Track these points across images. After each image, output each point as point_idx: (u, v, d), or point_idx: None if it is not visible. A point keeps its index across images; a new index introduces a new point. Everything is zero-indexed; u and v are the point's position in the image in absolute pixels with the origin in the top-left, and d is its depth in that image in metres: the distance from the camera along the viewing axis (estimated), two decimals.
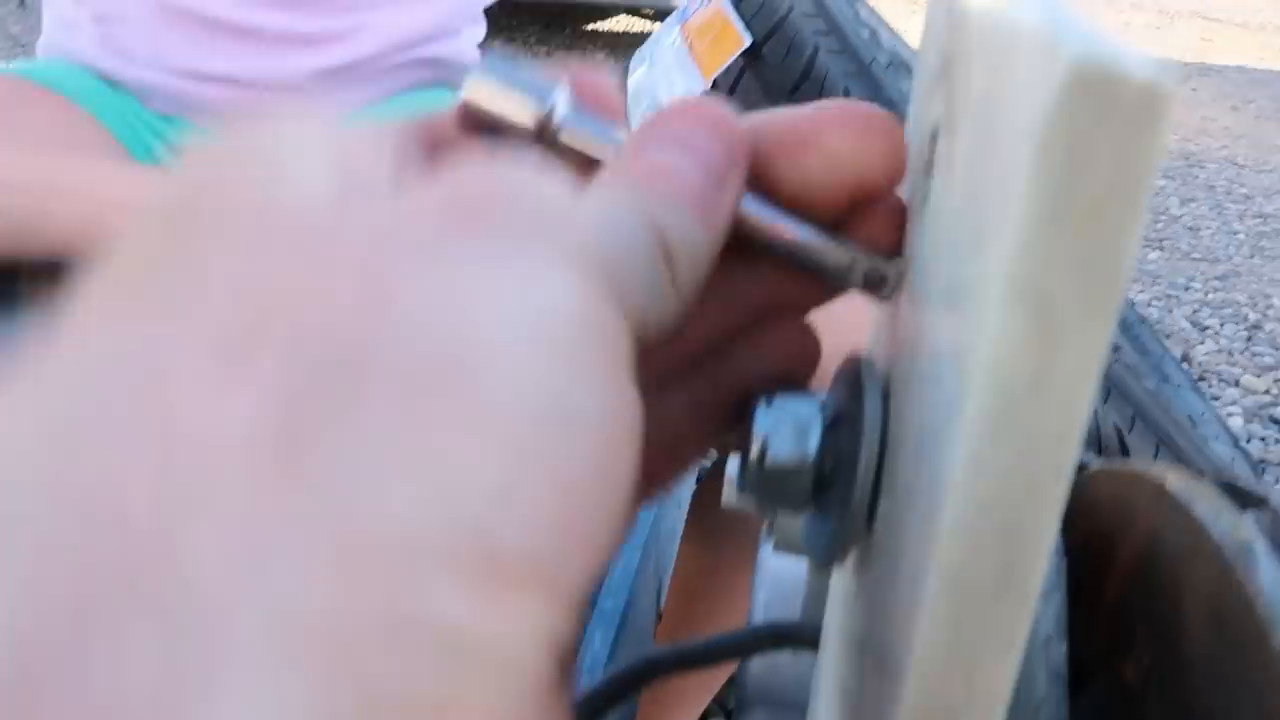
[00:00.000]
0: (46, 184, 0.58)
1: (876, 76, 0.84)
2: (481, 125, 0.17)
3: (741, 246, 0.17)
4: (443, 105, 0.67)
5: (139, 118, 0.75)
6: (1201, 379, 1.89)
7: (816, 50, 0.85)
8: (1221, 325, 2.14)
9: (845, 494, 0.19)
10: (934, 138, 0.19)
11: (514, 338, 0.12)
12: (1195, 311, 2.21)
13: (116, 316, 0.12)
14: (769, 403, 0.19)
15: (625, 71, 1.06)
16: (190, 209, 0.13)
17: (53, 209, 0.58)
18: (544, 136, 0.17)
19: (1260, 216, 2.89)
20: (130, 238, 0.13)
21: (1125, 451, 0.76)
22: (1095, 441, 0.75)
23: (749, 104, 0.94)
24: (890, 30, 1.28)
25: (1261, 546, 0.26)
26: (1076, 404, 0.12)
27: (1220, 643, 0.24)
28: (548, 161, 0.17)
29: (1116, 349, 0.81)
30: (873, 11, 1.23)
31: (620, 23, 4.44)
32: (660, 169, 0.15)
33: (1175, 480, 0.29)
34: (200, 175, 0.14)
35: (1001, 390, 0.12)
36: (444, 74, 0.81)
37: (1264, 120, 4.12)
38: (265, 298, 0.12)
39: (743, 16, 0.90)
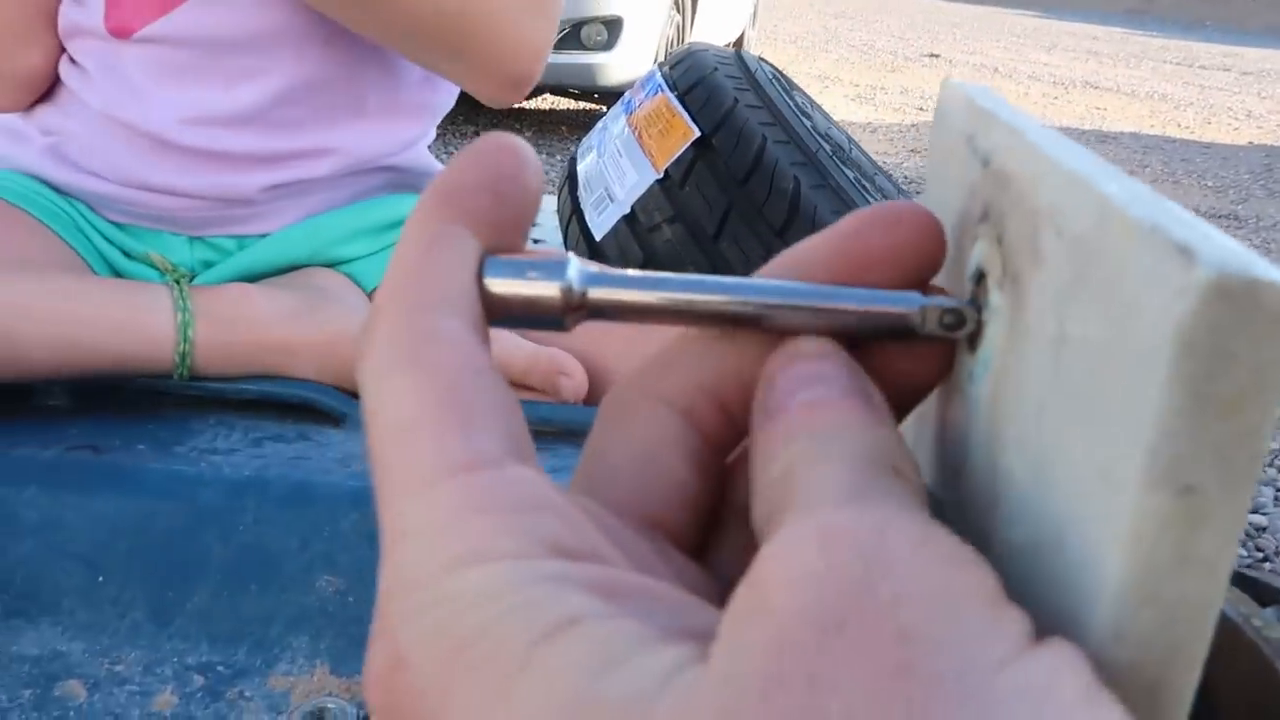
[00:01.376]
0: (11, 308, 0.57)
1: (823, 164, 0.87)
2: (506, 317, 0.18)
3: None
4: (398, 211, 0.67)
5: (91, 225, 0.73)
6: None
7: (765, 140, 0.87)
8: None
9: None
10: (978, 278, 0.19)
11: None
12: None
13: None
14: None
15: (572, 160, 1.08)
16: None
17: (21, 333, 0.57)
18: (571, 305, 0.18)
19: None
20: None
21: None
22: None
23: (704, 193, 0.96)
24: (823, 114, 1.33)
25: None
26: (1219, 572, 0.13)
27: None
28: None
29: None
30: (807, 97, 1.28)
31: (546, 101, 4.51)
32: (813, 405, 0.16)
33: None
34: None
35: (1145, 566, 0.13)
36: (398, 179, 0.81)
37: (1160, 183, 4.36)
38: None
39: (689, 109, 0.93)
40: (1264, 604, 0.30)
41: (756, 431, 0.17)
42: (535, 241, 1.34)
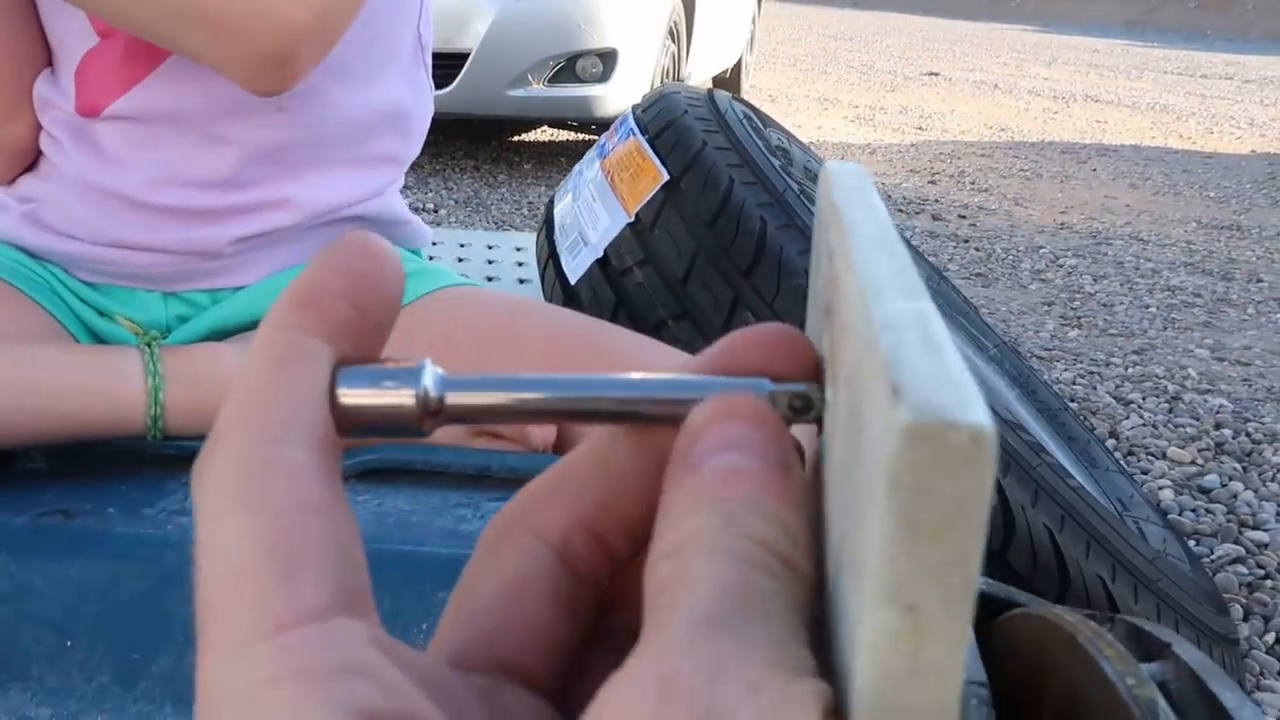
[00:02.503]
0: None
1: (789, 204, 0.88)
2: (362, 427, 0.19)
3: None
4: None
5: (66, 287, 0.75)
6: (1130, 453, 1.95)
7: (732, 182, 0.89)
8: (1144, 399, 2.21)
9: None
10: (821, 365, 0.20)
11: None
12: (1118, 387, 2.29)
13: None
14: None
15: (550, 204, 1.10)
16: None
17: (1, 405, 0.58)
18: (428, 412, 0.19)
19: (1169, 289, 3.03)
20: None
21: (1058, 551, 0.79)
22: (1029, 547, 0.77)
23: (673, 236, 0.96)
24: (802, 148, 1.34)
25: (1162, 705, 0.28)
26: (949, 683, 0.14)
27: None
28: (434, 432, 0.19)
29: (1040, 451, 0.84)
30: (784, 133, 1.29)
31: (545, 134, 4.55)
32: (729, 474, 0.16)
33: (1085, 632, 0.31)
34: None
35: (882, 675, 0.14)
36: (367, 229, 0.82)
37: (1161, 195, 4.35)
38: None
39: (659, 152, 0.94)
40: (1151, 658, 0.31)
41: (669, 481, 0.17)
42: (521, 282, 1.36)
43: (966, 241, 3.41)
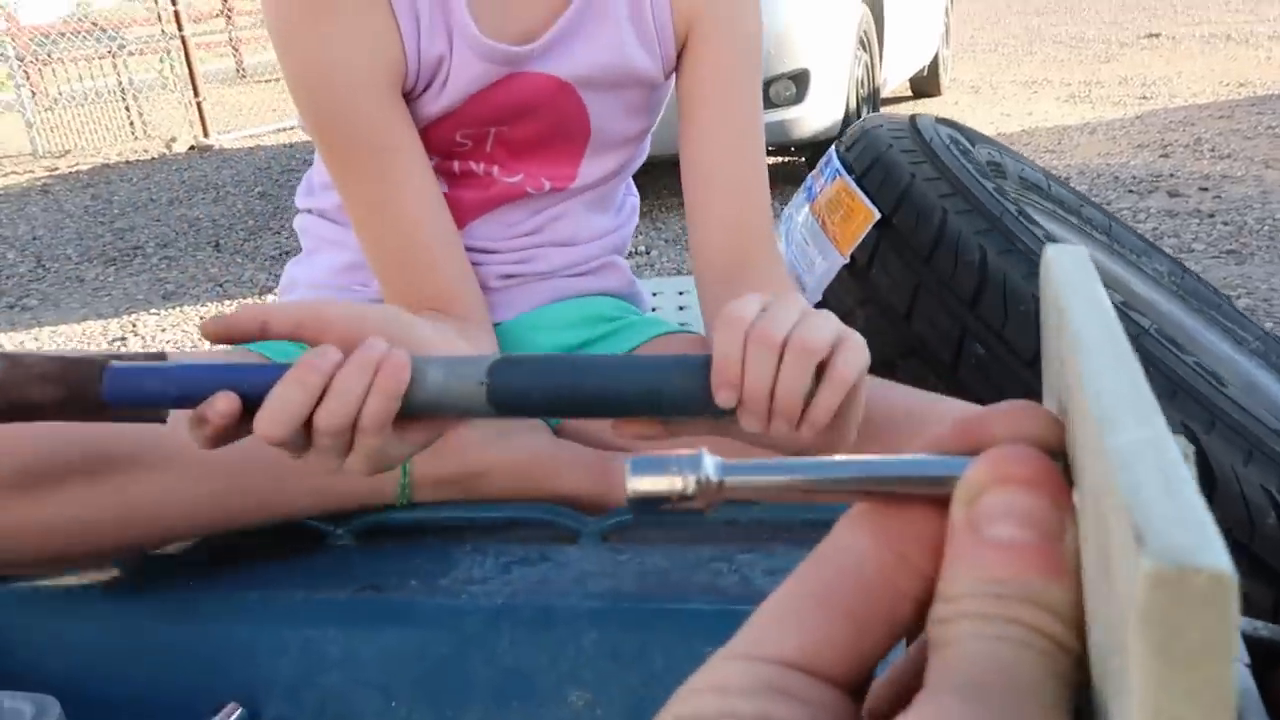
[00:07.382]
0: (283, 468, 0.69)
1: (1009, 228, 0.87)
2: (648, 507, 0.22)
3: None
4: (596, 309, 0.77)
5: None
6: None
7: (945, 213, 0.89)
8: None
9: None
10: (1064, 457, 0.22)
11: None
12: None
13: None
14: None
15: None
16: None
17: (292, 486, 0.69)
18: (708, 496, 0.22)
19: None
20: None
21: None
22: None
23: (890, 273, 0.97)
24: (1015, 158, 1.31)
25: None
26: None
27: None
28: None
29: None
30: (995, 146, 1.26)
31: None
32: (1005, 551, 0.18)
33: None
34: None
35: None
36: (598, 283, 0.93)
37: None
38: None
39: (867, 190, 0.96)
40: None
41: (954, 534, 0.19)
42: None
43: (1211, 216, 3.14)
